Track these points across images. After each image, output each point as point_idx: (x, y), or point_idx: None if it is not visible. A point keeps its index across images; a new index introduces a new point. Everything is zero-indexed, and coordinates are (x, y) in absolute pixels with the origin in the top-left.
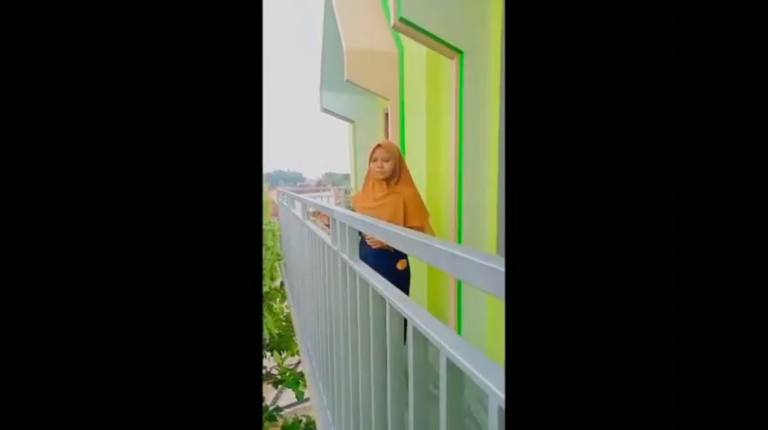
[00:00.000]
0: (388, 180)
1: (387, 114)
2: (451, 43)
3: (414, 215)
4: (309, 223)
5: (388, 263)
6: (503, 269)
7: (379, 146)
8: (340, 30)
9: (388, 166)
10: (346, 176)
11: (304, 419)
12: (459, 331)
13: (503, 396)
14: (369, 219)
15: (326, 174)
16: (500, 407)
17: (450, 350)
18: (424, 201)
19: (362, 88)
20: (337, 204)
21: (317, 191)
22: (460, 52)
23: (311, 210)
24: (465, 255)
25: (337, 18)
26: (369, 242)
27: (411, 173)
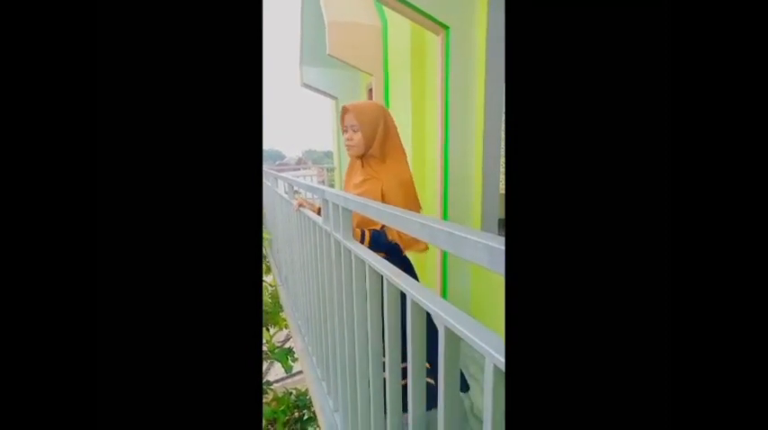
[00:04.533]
0: (363, 158)
1: (371, 90)
2: (438, 18)
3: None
4: (296, 203)
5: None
6: (503, 247)
7: (345, 109)
8: (321, 1)
9: (358, 139)
10: (327, 154)
11: (294, 391)
12: None
13: (497, 356)
14: (362, 200)
15: (306, 151)
16: (495, 366)
17: (448, 319)
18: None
19: (345, 63)
20: (320, 183)
21: (298, 169)
22: (446, 27)
23: (296, 201)
24: (469, 236)
25: None
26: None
27: None
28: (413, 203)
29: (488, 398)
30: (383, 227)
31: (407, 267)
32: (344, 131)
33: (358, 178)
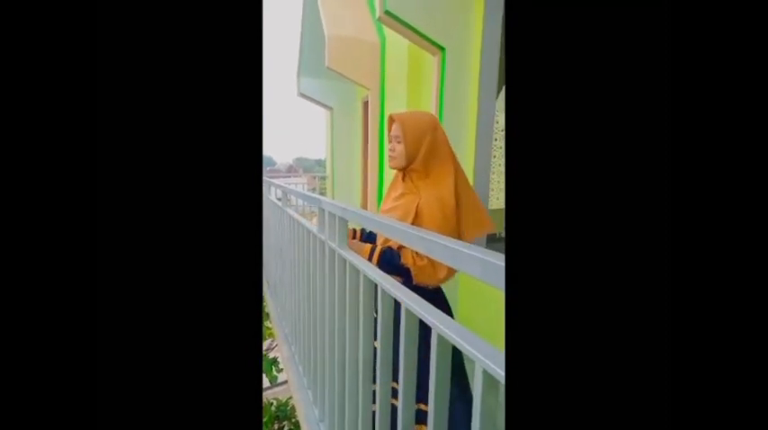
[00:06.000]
0: (405, 171)
1: (366, 103)
2: (435, 39)
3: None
4: (290, 211)
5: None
6: (493, 261)
7: (391, 119)
8: (321, 14)
9: (399, 151)
10: (318, 162)
11: (275, 402)
12: None
13: (486, 361)
14: (360, 211)
15: (297, 158)
16: (485, 371)
17: (441, 327)
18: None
19: (343, 76)
20: (311, 191)
21: (288, 176)
22: (443, 49)
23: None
24: (473, 253)
25: (318, 1)
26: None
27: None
28: (447, 222)
29: (477, 402)
30: (401, 248)
31: (434, 299)
32: (389, 141)
33: (397, 192)
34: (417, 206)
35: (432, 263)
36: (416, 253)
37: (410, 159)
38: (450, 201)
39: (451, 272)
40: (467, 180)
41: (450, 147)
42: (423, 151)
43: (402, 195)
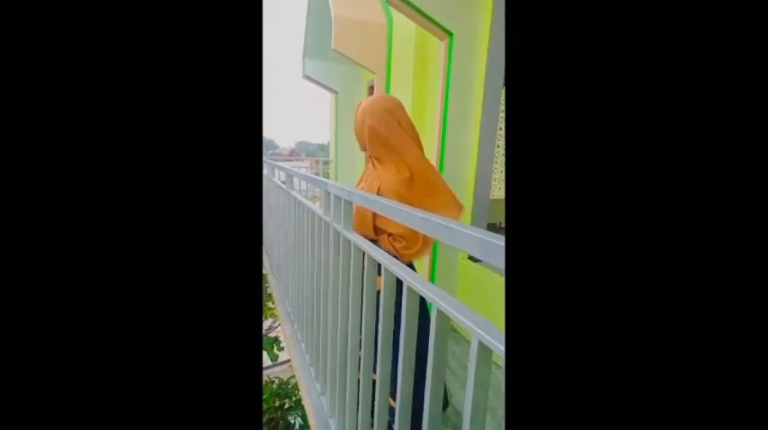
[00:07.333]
0: (370, 156)
1: (371, 87)
2: (443, 24)
3: (379, 216)
4: (295, 193)
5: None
6: (503, 244)
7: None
8: None
9: (357, 136)
10: (321, 146)
11: (276, 380)
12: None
13: (482, 333)
14: (365, 194)
15: (300, 142)
16: (480, 342)
17: (441, 302)
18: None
19: (349, 59)
20: (314, 175)
21: (290, 160)
22: (451, 34)
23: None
24: (464, 230)
25: None
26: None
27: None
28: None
29: (471, 371)
30: (379, 237)
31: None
32: None
33: (366, 174)
34: (379, 189)
35: (407, 244)
36: (392, 238)
37: (361, 145)
38: (402, 186)
39: (424, 247)
40: (420, 171)
41: (398, 133)
42: (366, 137)
43: (368, 178)
